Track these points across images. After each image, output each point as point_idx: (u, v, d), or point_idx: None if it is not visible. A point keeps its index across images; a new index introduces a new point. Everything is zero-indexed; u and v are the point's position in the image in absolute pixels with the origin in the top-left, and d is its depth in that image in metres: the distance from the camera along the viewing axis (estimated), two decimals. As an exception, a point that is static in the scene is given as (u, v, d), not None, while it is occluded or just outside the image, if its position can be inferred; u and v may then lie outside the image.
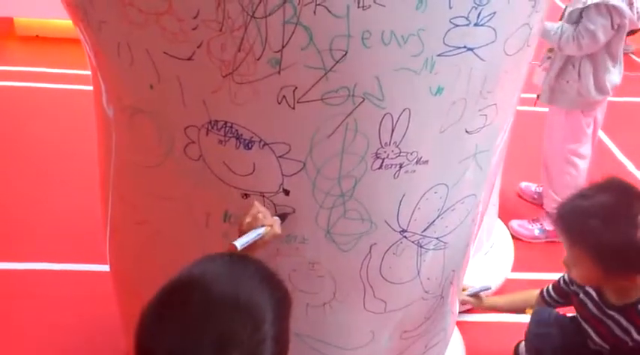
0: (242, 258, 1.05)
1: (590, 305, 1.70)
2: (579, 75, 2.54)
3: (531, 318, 1.96)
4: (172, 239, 1.45)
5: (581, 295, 1.73)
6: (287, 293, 1.02)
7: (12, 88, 3.73)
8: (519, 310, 2.02)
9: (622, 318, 1.60)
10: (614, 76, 2.59)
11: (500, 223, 2.67)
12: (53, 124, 3.38)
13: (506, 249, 2.57)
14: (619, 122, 3.62)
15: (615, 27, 2.42)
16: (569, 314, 1.93)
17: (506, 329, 2.35)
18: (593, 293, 1.69)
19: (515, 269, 2.55)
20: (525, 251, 2.77)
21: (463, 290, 1.92)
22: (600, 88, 2.57)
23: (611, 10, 2.37)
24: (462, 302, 1.94)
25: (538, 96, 2.71)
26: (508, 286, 2.52)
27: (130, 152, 1.42)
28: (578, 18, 2.44)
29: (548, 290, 1.92)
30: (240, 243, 1.20)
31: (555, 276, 2.65)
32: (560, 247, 2.84)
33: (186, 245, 1.43)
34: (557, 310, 1.95)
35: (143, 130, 1.34)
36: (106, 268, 2.24)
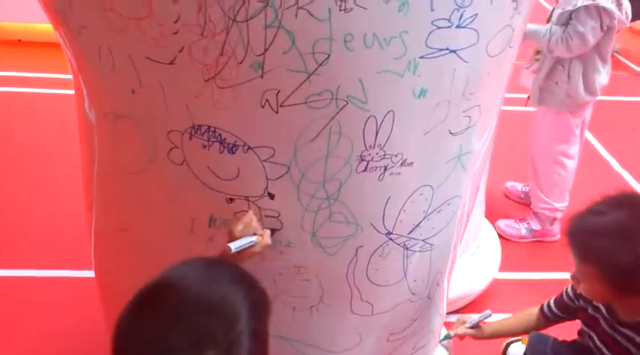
0: (218, 261, 1.05)
1: (601, 321, 1.62)
2: (568, 76, 2.55)
3: (526, 350, 1.88)
4: (156, 245, 1.43)
5: (590, 310, 1.66)
6: (264, 293, 1.03)
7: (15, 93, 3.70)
8: (522, 332, 1.91)
9: (637, 336, 1.53)
10: (603, 76, 2.60)
11: (486, 223, 2.67)
12: (36, 129, 3.35)
13: (493, 249, 2.58)
14: (604, 121, 3.64)
15: (605, 28, 2.43)
16: (568, 339, 1.84)
17: (495, 329, 2.36)
18: (603, 309, 1.61)
19: (502, 269, 2.56)
20: (512, 251, 2.77)
21: (463, 322, 1.85)
22: (589, 89, 2.58)
23: (601, 12, 2.38)
24: (463, 336, 1.85)
25: (529, 97, 2.72)
26: (495, 286, 2.53)
27: (112, 158, 1.41)
28: (567, 20, 2.45)
29: (549, 305, 1.83)
30: (235, 245, 1.21)
31: (543, 276, 2.67)
32: (547, 246, 2.87)
33: (171, 250, 1.42)
34: (555, 336, 1.86)
35: (126, 136, 1.33)
36: (91, 273, 2.24)
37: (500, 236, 2.73)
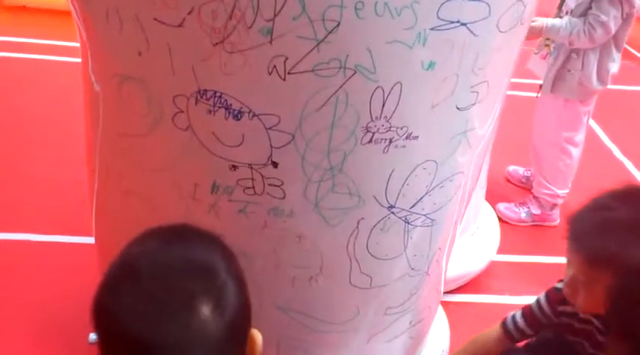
0: (177, 227, 1.06)
1: (595, 332, 1.43)
2: (583, 64, 2.52)
3: None
4: (159, 210, 1.43)
5: (577, 324, 1.46)
6: (228, 247, 1.03)
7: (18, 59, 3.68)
8: None
9: None
10: (617, 65, 2.58)
11: (487, 205, 2.68)
12: (39, 95, 3.34)
13: (492, 232, 2.59)
14: (607, 109, 3.63)
15: (624, 16, 2.41)
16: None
17: (490, 309, 2.38)
18: (595, 321, 1.42)
19: (500, 251, 2.57)
20: (511, 234, 2.79)
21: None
22: (602, 78, 2.56)
23: (623, 1, 2.35)
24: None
25: (541, 87, 2.69)
26: (493, 268, 2.55)
27: (117, 121, 1.40)
28: (585, 10, 2.42)
29: (514, 321, 1.57)
30: None
31: (540, 260, 2.68)
32: (546, 231, 2.88)
33: (173, 216, 1.41)
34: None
35: (131, 99, 1.32)
36: (90, 240, 2.24)
37: (499, 219, 2.74)
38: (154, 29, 1.19)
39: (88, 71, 1.47)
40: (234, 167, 1.30)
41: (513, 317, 1.59)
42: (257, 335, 1.00)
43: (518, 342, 1.60)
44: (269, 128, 1.23)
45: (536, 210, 2.87)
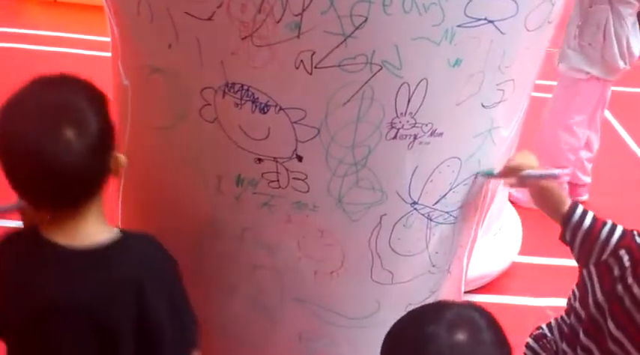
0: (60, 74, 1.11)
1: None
2: (604, 37, 2.46)
3: None
4: (183, 202, 1.46)
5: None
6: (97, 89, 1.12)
7: (29, 51, 3.74)
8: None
9: None
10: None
11: (509, 206, 2.67)
12: None
13: (515, 232, 2.57)
14: (633, 112, 3.60)
15: None
16: None
17: (510, 310, 2.36)
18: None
19: (521, 252, 2.56)
20: (533, 235, 2.76)
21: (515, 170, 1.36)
22: (623, 54, 2.49)
23: None
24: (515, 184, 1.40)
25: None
26: (514, 269, 2.53)
27: (145, 114, 1.43)
28: None
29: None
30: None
31: (562, 263, 2.66)
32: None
33: (197, 208, 1.44)
34: None
35: (159, 91, 1.35)
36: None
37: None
38: (184, 22, 1.21)
39: (117, 65, 1.49)
40: (260, 160, 1.31)
41: None
42: (121, 157, 1.12)
43: None
44: (295, 122, 1.25)
45: None
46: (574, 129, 2.73)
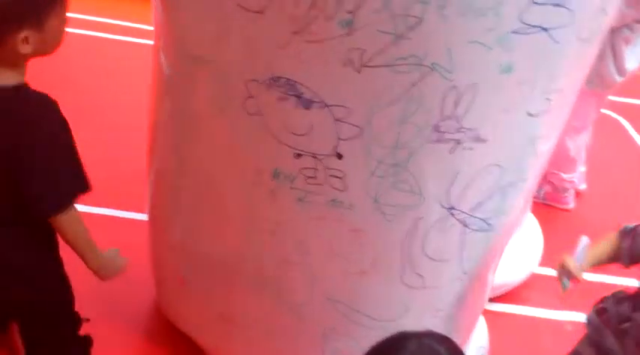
0: None
1: None
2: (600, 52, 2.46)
3: None
4: (218, 192, 1.46)
5: None
6: None
7: (78, 35, 3.72)
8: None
9: None
10: (634, 59, 2.52)
11: (531, 216, 2.64)
12: (103, 73, 3.37)
13: (535, 243, 2.55)
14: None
15: None
16: None
17: (528, 322, 2.34)
18: None
19: (542, 264, 2.54)
20: (554, 247, 2.74)
21: (567, 267, 1.50)
22: (621, 69, 2.50)
23: None
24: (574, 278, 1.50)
25: None
26: (534, 280, 2.51)
27: (186, 103, 1.42)
28: None
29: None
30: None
31: (585, 277, 2.64)
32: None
33: (232, 199, 1.44)
34: None
35: (204, 81, 1.34)
36: (138, 216, 2.27)
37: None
38: (235, 14, 1.20)
39: (159, 53, 1.49)
40: (299, 155, 1.31)
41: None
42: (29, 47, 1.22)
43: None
44: (338, 119, 1.24)
45: (548, 190, 2.93)
46: (574, 135, 2.76)
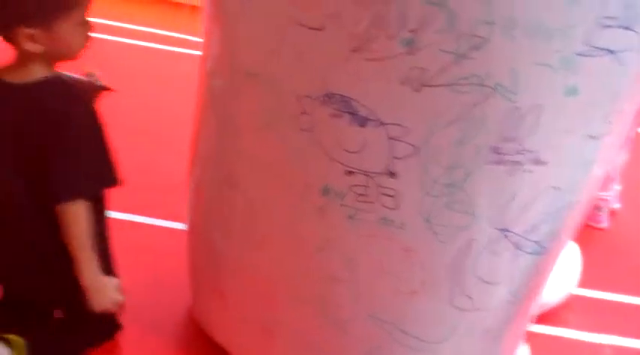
0: None
1: None
2: None
3: None
4: (263, 207, 1.44)
5: None
6: None
7: (124, 44, 3.74)
8: None
9: None
10: None
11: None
12: (147, 83, 3.37)
13: (574, 264, 2.50)
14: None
15: None
16: None
17: (564, 344, 2.30)
18: None
19: (581, 285, 2.49)
20: (593, 268, 2.69)
21: None
22: None
23: None
24: None
25: None
26: (573, 302, 2.46)
27: (235, 115, 1.42)
28: None
29: None
30: None
31: (622, 299, 2.58)
32: (631, 270, 2.78)
33: (278, 214, 1.43)
34: None
35: (255, 95, 1.34)
36: (175, 225, 2.27)
37: None
38: (292, 30, 1.20)
39: (208, 64, 1.49)
40: (350, 172, 1.29)
41: None
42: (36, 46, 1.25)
43: None
44: (393, 138, 1.22)
45: None
46: None
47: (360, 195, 1.30)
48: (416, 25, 1.09)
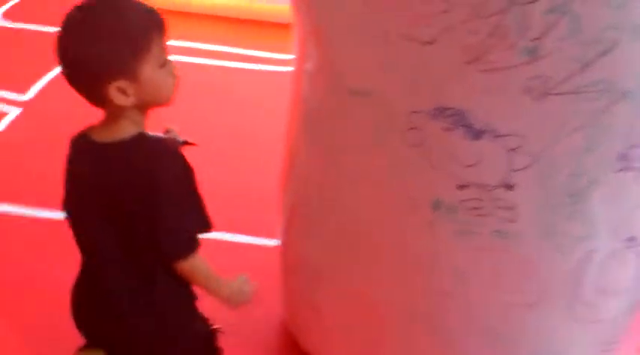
0: None
1: None
2: None
3: None
4: (371, 224, 1.42)
5: None
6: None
7: (206, 66, 3.70)
8: None
9: None
10: None
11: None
12: (224, 101, 3.36)
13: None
14: None
15: None
16: None
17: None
18: None
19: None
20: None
21: None
22: None
23: None
24: None
25: None
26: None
27: (338, 134, 1.40)
28: None
29: None
30: None
31: None
32: None
33: (383, 231, 1.41)
34: None
35: (359, 112, 1.32)
36: (263, 241, 2.26)
37: None
38: (401, 45, 1.18)
39: (303, 82, 1.48)
40: (463, 187, 1.26)
41: None
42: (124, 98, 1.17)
43: None
44: (511, 149, 1.19)
45: None
46: None
47: (474, 208, 1.28)
48: (539, 34, 1.06)
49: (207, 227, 1.29)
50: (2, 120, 2.84)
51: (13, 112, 2.89)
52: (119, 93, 1.14)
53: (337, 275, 1.58)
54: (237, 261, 2.28)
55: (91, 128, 1.23)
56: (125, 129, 1.20)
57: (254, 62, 3.51)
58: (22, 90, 3.02)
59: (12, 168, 2.55)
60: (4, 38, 3.50)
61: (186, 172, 1.23)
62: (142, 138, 1.20)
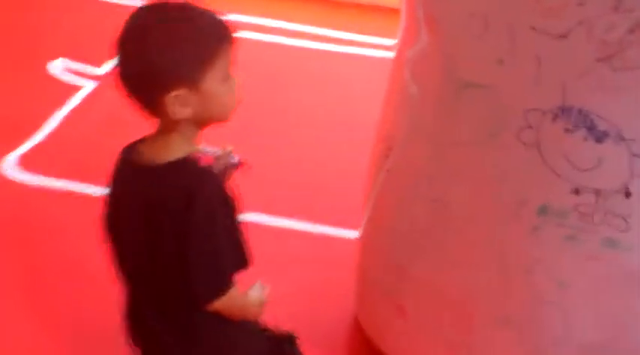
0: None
1: None
2: None
3: None
4: (469, 224, 1.37)
5: None
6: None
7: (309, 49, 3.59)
8: None
9: None
10: None
11: None
12: (313, 84, 3.12)
13: None
14: None
15: None
16: None
17: None
18: None
19: None
20: None
21: None
22: None
23: None
24: None
25: None
26: None
27: (442, 127, 1.35)
28: None
29: None
30: None
31: None
32: None
33: (484, 232, 1.35)
34: None
35: (471, 107, 1.27)
36: (337, 231, 2.20)
37: None
38: (527, 38, 1.12)
39: (407, 71, 1.43)
40: (577, 191, 1.20)
41: None
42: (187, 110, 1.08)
43: None
44: (634, 155, 1.12)
45: None
46: None
47: (585, 214, 1.21)
48: (684, 33, 0.98)
49: (243, 266, 1.18)
50: (78, 94, 2.86)
51: (89, 86, 2.90)
52: (177, 102, 1.04)
53: (424, 273, 1.52)
54: (309, 251, 2.24)
55: (142, 141, 1.14)
56: (174, 147, 1.10)
57: (353, 45, 3.36)
58: (97, 63, 3.01)
59: (87, 145, 2.55)
60: (79, 9, 3.50)
61: (225, 206, 1.13)
62: (183, 165, 1.09)
